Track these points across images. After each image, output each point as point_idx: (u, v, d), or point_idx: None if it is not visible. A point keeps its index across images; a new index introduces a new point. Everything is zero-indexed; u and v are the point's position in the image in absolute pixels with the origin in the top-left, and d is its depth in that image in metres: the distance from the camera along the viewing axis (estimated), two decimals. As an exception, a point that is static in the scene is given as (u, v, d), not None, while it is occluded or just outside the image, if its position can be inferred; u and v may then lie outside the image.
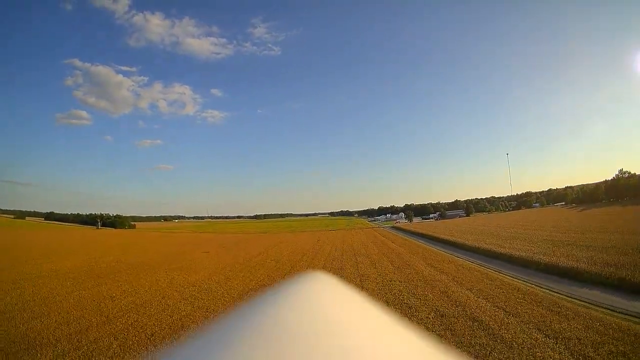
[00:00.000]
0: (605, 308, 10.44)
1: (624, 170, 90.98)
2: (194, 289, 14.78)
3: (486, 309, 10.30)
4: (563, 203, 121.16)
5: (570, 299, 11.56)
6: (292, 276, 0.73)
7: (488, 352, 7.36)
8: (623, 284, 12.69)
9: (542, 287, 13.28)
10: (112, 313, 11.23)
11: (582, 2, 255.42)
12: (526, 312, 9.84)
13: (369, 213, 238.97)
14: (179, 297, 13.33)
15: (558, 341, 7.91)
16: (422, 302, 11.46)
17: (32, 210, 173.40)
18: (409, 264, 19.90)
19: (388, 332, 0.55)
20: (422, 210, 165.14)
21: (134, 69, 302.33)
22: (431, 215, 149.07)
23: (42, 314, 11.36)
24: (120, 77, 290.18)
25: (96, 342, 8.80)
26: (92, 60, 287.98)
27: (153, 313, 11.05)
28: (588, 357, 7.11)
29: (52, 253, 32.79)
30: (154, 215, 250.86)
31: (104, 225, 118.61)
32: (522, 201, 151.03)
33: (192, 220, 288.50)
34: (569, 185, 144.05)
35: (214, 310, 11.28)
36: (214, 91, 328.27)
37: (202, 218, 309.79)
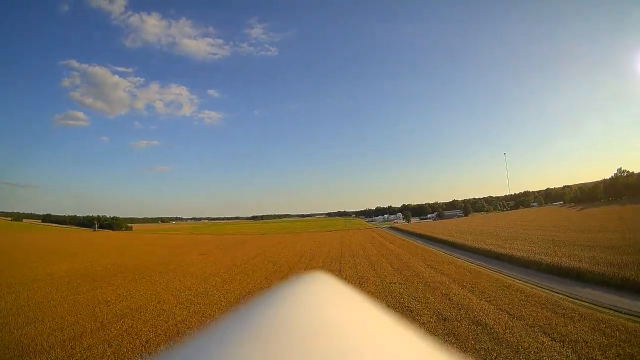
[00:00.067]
0: (609, 309, 10.29)
1: (622, 169, 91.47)
2: (190, 292, 14.52)
3: (489, 311, 10.09)
4: (561, 202, 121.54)
5: (574, 300, 11.41)
6: (292, 277, 0.73)
7: (494, 357, 7.16)
8: (626, 284, 12.56)
9: (544, 288, 13.11)
10: (106, 318, 11.00)
11: (580, 1, 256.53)
12: (530, 315, 9.64)
13: (367, 213, 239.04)
14: (174, 301, 13.07)
15: (565, 344, 7.73)
16: (424, 305, 11.23)
17: (30, 212, 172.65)
18: (408, 266, 19.68)
19: (388, 332, 0.55)
20: (419, 211, 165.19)
21: (130, 70, 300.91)
22: (429, 216, 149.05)
23: (36, 320, 11.18)
24: (116, 77, 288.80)
25: (90, 349, 8.62)
26: (89, 61, 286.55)
27: (148, 318, 10.80)
28: (596, 361, 6.93)
29: (48, 256, 32.52)
30: (151, 217, 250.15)
31: (100, 227, 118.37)
32: (520, 200, 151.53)
33: (189, 221, 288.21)
34: (567, 184, 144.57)
35: (210, 316, 11.04)
36: (211, 92, 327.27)
37: (200, 219, 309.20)
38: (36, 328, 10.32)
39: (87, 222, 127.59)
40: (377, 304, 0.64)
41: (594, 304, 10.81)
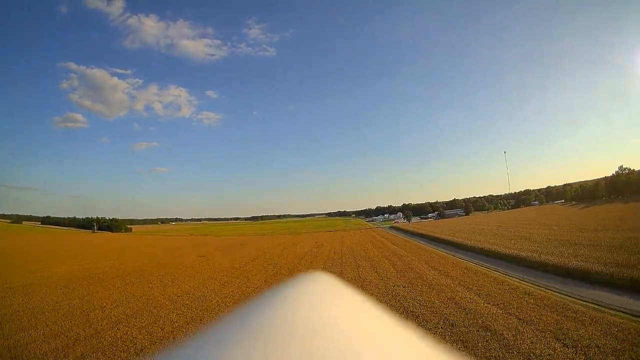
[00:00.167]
0: (620, 311, 10.02)
1: (624, 166, 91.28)
2: (187, 297, 14.20)
3: (498, 316, 9.74)
4: (563, 201, 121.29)
5: (583, 302, 11.10)
6: (292, 277, 0.72)
7: (505, 367, 6.82)
8: (636, 285, 12.27)
9: (552, 290, 12.76)
10: (101, 325, 10.73)
11: (580, 0, 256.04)
12: (540, 319, 9.30)
13: (367, 213, 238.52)
14: (171, 306, 12.75)
15: (577, 350, 7.46)
16: (429, 310, 10.87)
17: (29, 214, 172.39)
18: (411, 267, 19.33)
19: (388, 332, 0.55)
20: (420, 210, 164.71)
21: (128, 72, 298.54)
22: (430, 215, 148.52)
23: (30, 326, 10.99)
24: (115, 79, 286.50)
25: (83, 357, 8.41)
26: (87, 63, 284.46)
27: (144, 325, 10.50)
28: (611, 367, 6.65)
29: (46, 258, 32.37)
30: (150, 218, 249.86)
31: (100, 229, 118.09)
32: (521, 199, 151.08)
33: (189, 222, 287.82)
34: (567, 182, 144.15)
35: (207, 323, 10.68)
36: (209, 93, 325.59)
37: (200, 220, 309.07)
38: (29, 335, 10.10)
39: (86, 224, 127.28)
40: (377, 304, 0.62)
41: (603, 306, 10.51)
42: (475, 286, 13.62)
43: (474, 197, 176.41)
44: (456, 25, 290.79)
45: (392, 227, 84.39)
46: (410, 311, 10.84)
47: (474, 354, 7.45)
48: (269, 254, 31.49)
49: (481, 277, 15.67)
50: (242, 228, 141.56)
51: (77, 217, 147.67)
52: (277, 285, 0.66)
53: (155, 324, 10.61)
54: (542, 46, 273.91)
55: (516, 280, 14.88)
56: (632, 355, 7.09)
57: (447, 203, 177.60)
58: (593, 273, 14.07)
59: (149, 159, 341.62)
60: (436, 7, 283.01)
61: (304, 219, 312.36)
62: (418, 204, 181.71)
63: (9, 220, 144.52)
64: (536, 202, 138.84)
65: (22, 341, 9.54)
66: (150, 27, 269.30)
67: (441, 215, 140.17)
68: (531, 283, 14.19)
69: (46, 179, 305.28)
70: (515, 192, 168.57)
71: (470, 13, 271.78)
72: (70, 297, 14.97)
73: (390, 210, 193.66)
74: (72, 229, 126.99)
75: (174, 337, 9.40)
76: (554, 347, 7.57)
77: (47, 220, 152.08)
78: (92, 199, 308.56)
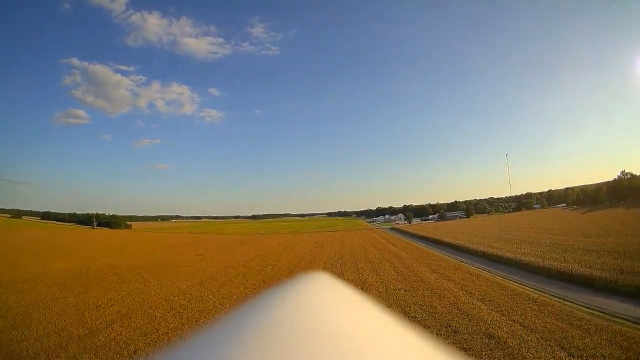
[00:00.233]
0: (624, 319, 9.80)
1: (626, 171, 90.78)
2: (184, 297, 13.99)
3: (502, 323, 9.50)
4: (564, 205, 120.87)
5: (587, 309, 10.89)
6: (292, 277, 0.71)
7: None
8: (641, 292, 12.01)
9: (556, 297, 12.52)
10: (95, 324, 10.53)
11: (581, 1, 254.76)
12: (545, 327, 9.06)
13: (368, 214, 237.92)
14: (167, 306, 12.54)
15: (584, 361, 7.20)
16: (431, 315, 10.63)
17: (29, 209, 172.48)
18: (412, 270, 19.08)
19: (388, 332, 0.55)
20: (421, 211, 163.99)
21: (131, 69, 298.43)
22: (430, 217, 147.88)
23: (23, 324, 10.81)
24: (118, 76, 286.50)
25: (75, 358, 8.20)
26: (90, 59, 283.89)
27: (138, 325, 10.28)
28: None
29: (44, 254, 32.20)
30: (150, 215, 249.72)
31: (99, 225, 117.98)
32: (523, 202, 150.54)
33: (189, 220, 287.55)
34: (569, 186, 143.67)
35: (203, 324, 10.48)
36: (212, 90, 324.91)
37: (200, 218, 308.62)
38: (22, 333, 9.90)
39: (86, 220, 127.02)
40: (377, 304, 0.62)
41: (608, 314, 10.31)
42: (478, 291, 13.37)
43: (474, 199, 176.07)
44: (457, 26, 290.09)
45: (392, 229, 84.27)
46: (412, 316, 10.62)
47: (478, 362, 7.23)
48: (269, 254, 31.29)
49: (483, 281, 15.42)
50: (242, 227, 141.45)
51: (77, 212, 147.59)
52: (276, 285, 0.65)
53: (150, 324, 10.39)
54: (543, 47, 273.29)
55: (519, 285, 14.62)
56: (638, 366, 6.89)
57: (447, 205, 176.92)
58: (597, 279, 13.83)
59: (150, 156, 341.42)
60: (437, 8, 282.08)
61: (304, 218, 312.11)
62: (419, 205, 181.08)
63: (8, 215, 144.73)
64: (537, 206, 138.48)
65: (14, 339, 9.37)
66: (153, 25, 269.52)
67: (442, 217, 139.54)
68: (534, 288, 13.94)
69: (47, 174, 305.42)
70: (516, 195, 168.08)
71: (471, 13, 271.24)
72: (66, 294, 14.78)
73: (391, 211, 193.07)
74: (72, 224, 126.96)
75: (168, 339, 9.19)
76: (560, 357, 7.36)
77: (46, 216, 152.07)
78: (93, 195, 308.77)
